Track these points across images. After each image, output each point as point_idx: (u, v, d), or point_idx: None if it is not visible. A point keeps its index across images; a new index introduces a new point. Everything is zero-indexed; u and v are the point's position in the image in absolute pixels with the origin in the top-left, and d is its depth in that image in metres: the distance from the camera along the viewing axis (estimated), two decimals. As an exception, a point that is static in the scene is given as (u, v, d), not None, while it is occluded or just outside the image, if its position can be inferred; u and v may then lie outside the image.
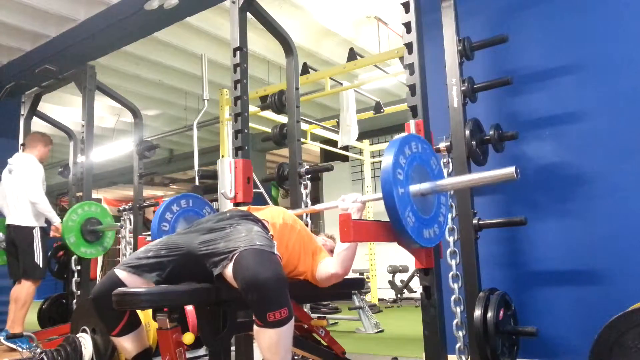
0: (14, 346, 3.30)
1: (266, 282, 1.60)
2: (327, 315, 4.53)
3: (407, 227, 1.61)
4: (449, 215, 2.33)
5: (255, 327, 1.64)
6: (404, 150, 1.70)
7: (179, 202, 2.60)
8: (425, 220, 1.72)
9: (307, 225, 2.87)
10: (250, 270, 1.62)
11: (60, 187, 9.08)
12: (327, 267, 2.02)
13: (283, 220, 2.08)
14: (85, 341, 2.54)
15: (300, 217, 2.74)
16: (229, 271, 1.69)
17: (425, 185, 1.71)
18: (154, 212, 2.67)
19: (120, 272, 1.82)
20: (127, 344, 1.89)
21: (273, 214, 2.12)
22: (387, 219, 1.65)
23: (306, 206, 3.07)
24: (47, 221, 3.90)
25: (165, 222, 2.50)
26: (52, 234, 3.95)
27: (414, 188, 1.69)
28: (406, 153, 1.70)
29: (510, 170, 1.59)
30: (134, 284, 1.79)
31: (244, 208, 2.26)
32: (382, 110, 4.78)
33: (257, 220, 1.96)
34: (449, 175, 2.35)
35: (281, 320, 1.59)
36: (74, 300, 4.01)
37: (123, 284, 1.77)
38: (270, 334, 1.61)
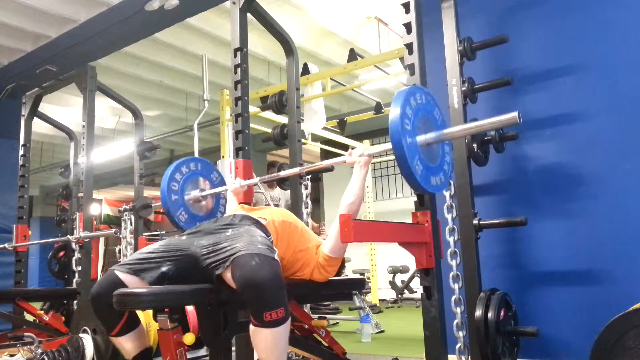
0: None
1: (263, 281, 1.60)
2: (328, 316, 4.54)
3: (416, 174, 1.64)
4: (450, 216, 2.34)
5: (251, 326, 1.64)
6: (410, 101, 1.72)
7: (188, 165, 2.61)
8: (432, 168, 1.75)
9: (307, 225, 2.87)
10: (248, 270, 1.62)
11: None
12: (331, 232, 1.95)
13: (283, 219, 2.07)
14: (86, 342, 2.54)
15: (300, 218, 2.74)
16: (228, 272, 1.69)
17: (431, 135, 1.74)
18: (154, 212, 2.65)
19: (120, 272, 1.81)
20: (126, 343, 1.89)
21: (272, 212, 2.12)
22: (388, 220, 1.65)
23: (307, 207, 3.07)
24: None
25: (175, 182, 2.52)
26: None
27: (421, 138, 1.71)
28: (412, 104, 1.72)
29: (513, 114, 1.64)
30: (134, 284, 1.79)
31: (238, 207, 2.25)
32: (382, 110, 4.77)
33: (259, 224, 1.96)
34: (450, 175, 2.34)
35: (277, 320, 1.60)
36: (75, 301, 4.01)
37: (122, 284, 1.77)
38: (266, 333, 1.61)
